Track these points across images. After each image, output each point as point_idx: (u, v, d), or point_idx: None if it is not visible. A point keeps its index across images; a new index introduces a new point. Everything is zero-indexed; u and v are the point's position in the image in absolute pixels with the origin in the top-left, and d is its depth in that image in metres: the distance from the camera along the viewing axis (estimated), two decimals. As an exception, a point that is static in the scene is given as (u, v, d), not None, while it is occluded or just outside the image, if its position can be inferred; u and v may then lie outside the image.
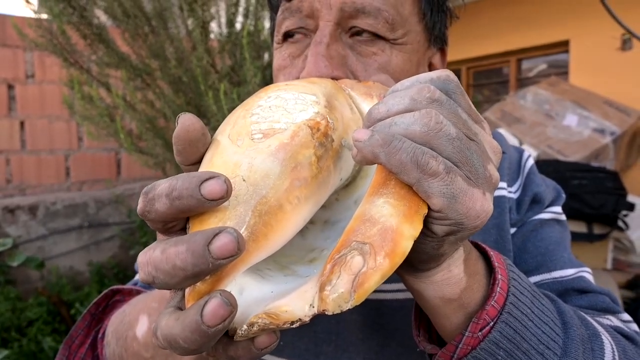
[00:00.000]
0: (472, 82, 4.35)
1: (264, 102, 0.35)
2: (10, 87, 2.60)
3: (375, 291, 0.52)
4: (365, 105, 0.40)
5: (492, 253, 0.40)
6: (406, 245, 0.27)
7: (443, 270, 0.35)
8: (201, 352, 0.27)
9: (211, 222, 0.28)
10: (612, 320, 0.50)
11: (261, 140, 0.31)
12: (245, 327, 0.28)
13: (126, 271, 3.10)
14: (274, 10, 0.56)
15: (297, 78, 0.50)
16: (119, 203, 3.02)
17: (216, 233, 0.25)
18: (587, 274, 0.56)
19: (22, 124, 2.65)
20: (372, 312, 0.53)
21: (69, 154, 2.86)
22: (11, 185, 2.66)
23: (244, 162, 0.30)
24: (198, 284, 0.27)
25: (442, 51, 0.57)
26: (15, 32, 1.73)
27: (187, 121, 0.30)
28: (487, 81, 4.27)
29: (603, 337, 0.43)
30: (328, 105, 0.36)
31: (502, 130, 2.88)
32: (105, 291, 0.58)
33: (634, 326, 0.51)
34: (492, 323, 0.36)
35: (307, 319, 0.27)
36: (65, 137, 2.83)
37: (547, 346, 0.38)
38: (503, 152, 0.60)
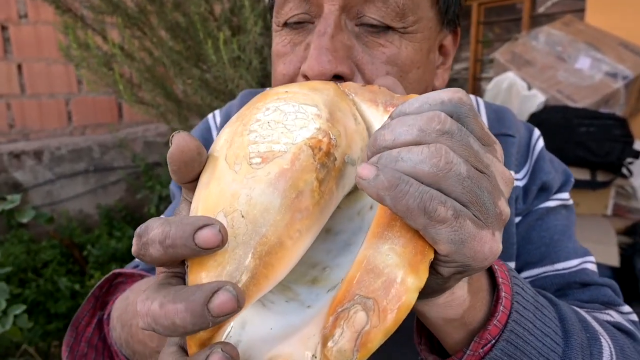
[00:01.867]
0: (483, 19, 4.15)
1: (262, 115, 0.33)
2: (4, 28, 2.51)
3: None
4: (370, 114, 0.37)
5: (496, 267, 0.39)
6: (411, 298, 0.27)
7: (446, 293, 0.35)
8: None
9: (210, 266, 0.27)
10: (613, 316, 0.51)
11: (260, 166, 0.29)
12: None
13: (134, 214, 3.17)
14: None
15: (299, 68, 0.47)
16: (123, 147, 3.03)
17: (214, 291, 0.25)
18: (590, 264, 0.56)
19: (19, 67, 2.59)
20: None
21: (70, 98, 2.82)
22: (14, 130, 2.66)
23: (243, 193, 0.29)
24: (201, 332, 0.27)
25: (455, 33, 0.53)
26: (3, -29, 1.64)
27: (181, 142, 0.29)
28: (499, 18, 4.07)
29: (602, 339, 0.43)
30: (330, 118, 0.33)
31: (511, 74, 2.80)
32: (107, 275, 0.59)
33: (634, 316, 0.52)
34: (493, 341, 0.37)
35: None
36: (65, 81, 2.77)
37: (547, 357, 0.38)
38: (512, 136, 0.58)
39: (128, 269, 0.60)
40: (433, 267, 0.30)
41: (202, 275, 0.27)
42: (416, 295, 0.27)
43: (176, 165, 0.30)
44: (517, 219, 0.56)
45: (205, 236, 0.25)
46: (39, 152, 2.67)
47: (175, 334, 0.26)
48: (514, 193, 0.56)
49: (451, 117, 0.29)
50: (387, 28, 0.45)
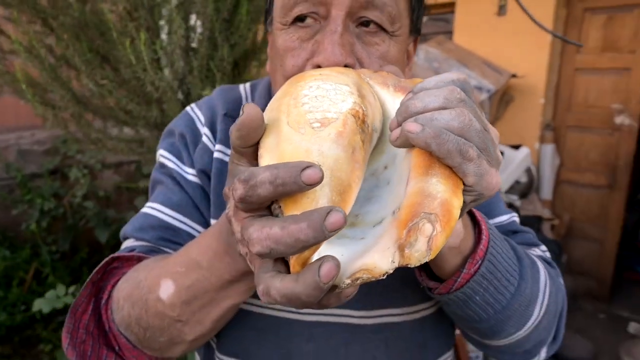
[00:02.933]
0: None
1: (308, 91, 0.41)
2: None
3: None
4: (383, 94, 0.47)
5: (474, 209, 0.53)
6: (457, 213, 0.37)
7: None
8: (314, 305, 0.34)
9: (304, 202, 0.34)
10: (537, 251, 0.68)
11: (320, 128, 0.37)
12: (348, 281, 0.35)
13: (6, 232, 2.80)
14: None
15: (307, 60, 0.55)
16: (-7, 157, 2.66)
17: (328, 211, 0.31)
18: (515, 217, 0.72)
19: None
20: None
21: None
22: None
23: (314, 149, 0.36)
24: (306, 251, 0.34)
25: (415, 39, 0.66)
26: None
27: (252, 110, 0.36)
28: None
29: (538, 263, 0.59)
30: (360, 94, 0.42)
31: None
32: (105, 259, 0.59)
33: (548, 254, 0.70)
34: (480, 262, 0.51)
35: (391, 271, 0.36)
36: None
37: (511, 273, 0.53)
38: None
39: (124, 253, 0.60)
40: None
41: (300, 209, 0.34)
42: (459, 211, 0.36)
43: (245, 131, 0.37)
44: None
45: (310, 174, 0.32)
46: None
47: (293, 249, 0.32)
48: None
49: (462, 90, 0.40)
50: (381, 30, 0.55)
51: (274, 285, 0.34)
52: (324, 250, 0.37)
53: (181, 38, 1.36)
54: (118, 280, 0.59)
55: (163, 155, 0.68)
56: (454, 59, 3.07)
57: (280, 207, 0.35)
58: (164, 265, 0.53)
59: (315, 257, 0.35)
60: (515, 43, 3.18)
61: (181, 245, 0.62)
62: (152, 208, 0.65)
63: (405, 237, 0.35)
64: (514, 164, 3.09)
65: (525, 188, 3.29)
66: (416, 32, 0.63)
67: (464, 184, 0.39)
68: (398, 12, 0.55)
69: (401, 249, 0.35)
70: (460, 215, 0.42)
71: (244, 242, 0.38)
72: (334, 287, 0.35)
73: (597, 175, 3.24)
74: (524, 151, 3.11)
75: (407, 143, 0.38)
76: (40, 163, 3.01)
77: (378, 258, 0.35)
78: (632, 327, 2.64)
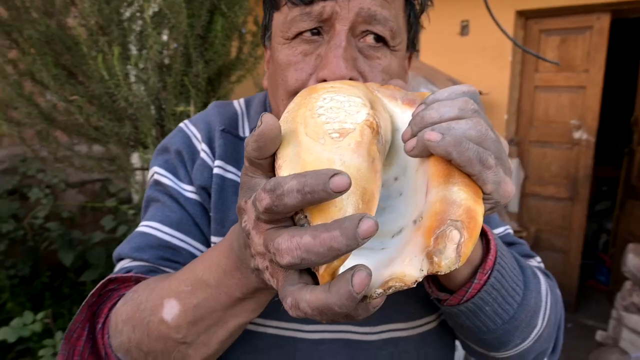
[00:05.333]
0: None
1: (322, 102, 0.40)
2: None
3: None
4: (392, 107, 0.47)
5: None
6: (481, 220, 0.37)
7: None
8: (346, 315, 0.34)
9: (332, 211, 0.34)
10: (533, 262, 0.69)
11: (340, 139, 0.37)
12: (380, 290, 0.35)
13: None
14: (273, 6, 0.59)
15: (310, 74, 0.55)
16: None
17: (360, 219, 0.31)
18: (510, 230, 0.74)
19: None
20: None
21: None
22: None
23: (336, 158, 0.36)
24: (335, 261, 0.33)
25: (410, 56, 0.67)
26: None
27: (270, 120, 0.35)
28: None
29: (538, 273, 0.60)
30: (372, 106, 0.42)
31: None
32: (102, 281, 0.56)
33: (543, 265, 0.71)
34: (490, 272, 0.51)
35: (421, 279, 0.35)
36: None
37: (517, 283, 0.54)
38: None
39: (121, 274, 0.57)
40: None
41: (329, 218, 0.33)
42: (482, 218, 0.37)
43: (263, 142, 0.36)
44: None
45: (339, 182, 0.31)
46: None
47: (325, 258, 0.31)
48: None
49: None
50: (383, 44, 0.56)
51: (303, 297, 0.33)
52: (350, 261, 0.36)
53: (156, 53, 1.34)
54: (115, 303, 0.56)
55: (158, 172, 0.66)
56: (421, 76, 3.16)
57: (306, 216, 0.35)
58: (167, 285, 0.50)
59: (341, 269, 0.35)
60: (478, 62, 3.31)
61: (182, 264, 0.60)
62: (150, 227, 0.62)
63: (433, 244, 0.35)
64: (481, 178, 3.18)
65: (492, 201, 3.39)
66: (412, 48, 0.65)
67: (483, 192, 0.39)
68: (398, 28, 0.56)
69: (429, 256, 0.35)
70: None
71: (266, 254, 0.37)
72: (364, 298, 0.35)
73: (559, 188, 3.38)
74: (490, 165, 3.20)
75: (424, 152, 0.39)
76: (-3, 183, 2.86)
77: (406, 267, 0.35)
78: (599, 335, 2.73)
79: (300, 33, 0.55)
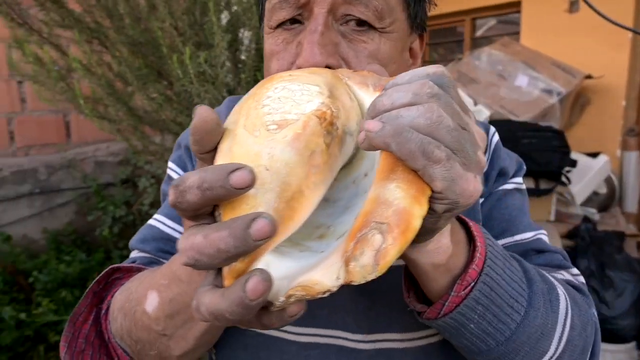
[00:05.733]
0: (429, 40, 4.39)
1: (272, 92, 0.37)
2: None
3: None
4: (362, 94, 0.43)
5: (471, 223, 0.46)
6: (417, 223, 0.32)
7: (434, 241, 0.41)
8: (241, 323, 0.31)
9: (243, 209, 0.31)
10: (564, 275, 0.59)
11: (276, 131, 0.34)
12: (282, 299, 0.31)
13: (84, 237, 3.02)
14: None
15: (292, 63, 0.52)
16: (72, 168, 2.90)
17: (253, 218, 0.28)
18: (543, 235, 0.63)
19: (-43, 84, 2.44)
20: None
21: (12, 117, 2.68)
22: (-50, 152, 2.49)
23: (264, 152, 0.33)
24: (236, 263, 0.30)
25: (421, 37, 0.60)
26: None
27: (204, 113, 0.33)
28: (443, 40, 4.33)
29: (558, 289, 0.50)
30: (331, 95, 0.38)
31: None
32: (106, 269, 0.59)
33: (581, 278, 0.61)
34: (473, 283, 0.43)
35: (335, 289, 0.31)
36: (6, 99, 2.63)
37: (516, 300, 0.45)
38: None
39: (125, 264, 0.60)
40: (429, 205, 0.34)
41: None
42: (420, 221, 0.32)
43: (199, 135, 0.34)
44: (481, 200, 0.64)
45: (239, 177, 0.29)
46: (-23, 174, 2.51)
47: (217, 260, 0.29)
48: None
49: (438, 86, 0.35)
50: (369, 27, 0.51)
51: (203, 300, 0.31)
52: (274, 262, 0.33)
53: (224, 51, 1.39)
54: (117, 291, 0.59)
55: (170, 168, 0.68)
56: (520, 61, 2.89)
57: (220, 214, 0.32)
58: (152, 277, 0.51)
59: (263, 267, 0.32)
60: (590, 41, 2.92)
61: None
62: (156, 220, 0.65)
63: (352, 249, 0.31)
64: (591, 174, 2.82)
65: (606, 200, 3.00)
66: (419, 29, 0.58)
67: (432, 190, 0.34)
68: (387, 7, 0.51)
69: (347, 263, 0.31)
70: (434, 227, 0.37)
71: None
72: (269, 304, 0.32)
73: (691, 186, 2.88)
74: (602, 159, 2.83)
75: (372, 145, 0.34)
76: (114, 173, 3.23)
77: (323, 274, 0.32)
78: None
79: (282, 22, 0.52)
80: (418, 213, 0.32)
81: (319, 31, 0.48)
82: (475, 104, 2.91)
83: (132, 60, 1.54)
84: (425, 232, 0.38)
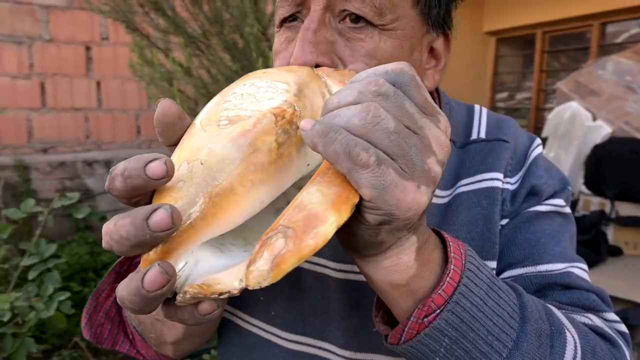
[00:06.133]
0: (548, 48, 4.02)
1: (238, 89, 0.37)
2: (88, 48, 2.79)
3: (358, 273, 0.54)
4: None
5: (451, 243, 0.40)
6: (327, 232, 0.29)
7: (392, 257, 0.36)
8: (145, 313, 0.31)
9: (166, 199, 0.31)
10: (593, 320, 0.49)
11: (226, 126, 0.34)
12: (181, 295, 0.31)
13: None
14: None
15: (289, 63, 0.50)
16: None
17: (154, 209, 0.28)
18: (578, 269, 0.54)
19: (98, 84, 2.85)
20: (354, 292, 0.55)
21: (140, 114, 3.05)
22: (89, 141, 2.91)
23: (206, 146, 0.33)
24: (150, 253, 0.31)
25: (446, 36, 0.55)
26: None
27: (164, 106, 0.34)
28: (565, 47, 3.93)
29: (568, 334, 0.42)
30: (298, 93, 0.37)
31: (574, 104, 2.68)
32: None
33: (621, 326, 0.50)
34: (438, 311, 0.37)
35: (236, 292, 0.30)
36: (136, 98, 3.00)
37: (497, 337, 0.38)
38: (506, 142, 0.59)
39: None
40: (361, 215, 0.32)
41: None
42: (333, 229, 0.30)
43: (160, 128, 0.35)
44: (504, 221, 0.56)
45: (154, 167, 0.29)
46: (109, 161, 2.90)
47: (123, 248, 0.29)
48: (501, 196, 0.55)
49: (393, 85, 0.33)
50: (367, 24, 0.47)
51: (119, 286, 0.31)
52: (208, 259, 0.33)
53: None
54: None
55: None
56: (655, 70, 2.50)
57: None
58: None
59: (191, 262, 0.32)
60: None
61: None
62: None
63: (255, 252, 0.30)
64: None
65: None
66: (441, 27, 0.53)
67: (362, 198, 0.31)
68: (389, 2, 0.47)
69: (248, 265, 0.30)
70: (375, 240, 0.34)
71: None
72: (174, 298, 0.31)
73: None
74: None
75: (309, 146, 0.32)
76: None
77: (231, 274, 0.31)
78: None
79: (284, 20, 0.51)
80: (333, 220, 0.30)
81: (311, 29, 0.47)
82: (595, 118, 2.60)
83: (230, 63, 1.66)
84: (368, 245, 0.35)
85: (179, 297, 0.31)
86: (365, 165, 0.30)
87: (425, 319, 0.38)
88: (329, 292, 0.56)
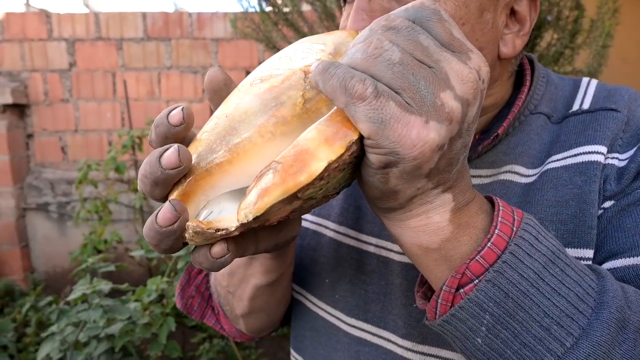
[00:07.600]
0: None
1: (281, 53, 0.39)
2: (247, 72, 3.15)
3: None
4: None
5: (501, 207, 0.35)
6: (317, 167, 0.29)
7: (420, 216, 0.33)
8: (162, 248, 0.33)
9: (191, 149, 0.34)
10: None
11: (257, 85, 0.36)
12: (187, 233, 0.32)
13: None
14: None
15: None
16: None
17: (166, 149, 0.31)
18: None
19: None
20: (417, 278, 0.50)
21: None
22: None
23: (234, 102, 0.35)
24: (173, 194, 0.33)
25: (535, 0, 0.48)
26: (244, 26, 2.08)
27: (211, 74, 0.37)
28: None
29: None
30: (334, 52, 0.38)
31: None
32: None
33: None
34: (477, 281, 0.32)
35: (232, 229, 0.31)
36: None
37: (558, 321, 0.32)
38: (615, 110, 0.48)
39: None
40: (366, 156, 0.31)
41: (192, 153, 0.34)
42: (323, 164, 0.29)
43: (209, 94, 0.38)
44: (607, 203, 0.44)
45: (172, 115, 0.33)
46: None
47: (146, 187, 0.32)
48: (602, 172, 0.45)
49: (413, 21, 0.31)
50: None
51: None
52: (230, 207, 0.34)
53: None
54: None
55: None
56: None
57: None
58: None
59: (216, 211, 0.34)
60: None
61: None
62: None
63: (250, 188, 0.30)
64: None
65: None
66: None
67: (362, 135, 0.30)
68: None
69: (241, 203, 0.31)
70: (386, 188, 0.32)
71: None
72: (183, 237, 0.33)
73: None
74: None
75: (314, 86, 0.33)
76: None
77: (233, 215, 0.32)
78: None
79: None
80: (323, 155, 0.29)
81: None
82: None
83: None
84: (382, 195, 0.33)
85: (185, 234, 0.33)
86: (361, 97, 0.28)
87: (462, 290, 0.33)
88: (392, 277, 0.52)
